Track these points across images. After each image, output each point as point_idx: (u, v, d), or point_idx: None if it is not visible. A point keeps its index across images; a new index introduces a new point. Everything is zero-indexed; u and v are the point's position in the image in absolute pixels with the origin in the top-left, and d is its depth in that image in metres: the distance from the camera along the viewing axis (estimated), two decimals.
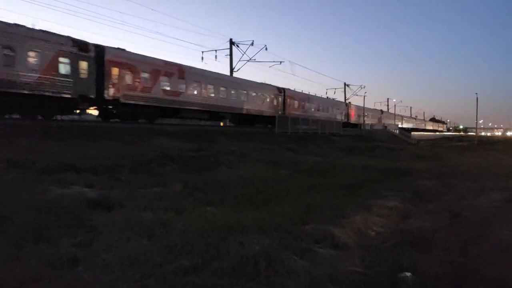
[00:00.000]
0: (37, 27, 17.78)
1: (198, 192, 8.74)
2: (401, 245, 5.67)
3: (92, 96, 19.25)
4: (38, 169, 9.47)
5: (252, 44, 35.51)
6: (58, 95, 17.73)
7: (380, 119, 67.01)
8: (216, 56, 35.86)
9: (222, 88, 28.32)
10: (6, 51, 15.76)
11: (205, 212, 6.98)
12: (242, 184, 10.23)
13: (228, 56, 36.31)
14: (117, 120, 21.54)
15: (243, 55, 36.06)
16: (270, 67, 39.20)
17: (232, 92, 29.52)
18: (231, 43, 36.30)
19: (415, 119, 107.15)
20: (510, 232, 6.61)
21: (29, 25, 17.37)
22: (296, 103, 38.85)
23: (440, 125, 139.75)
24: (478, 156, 28.00)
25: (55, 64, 17.63)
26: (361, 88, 62.90)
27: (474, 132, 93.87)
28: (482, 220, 7.67)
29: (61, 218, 5.85)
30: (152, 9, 77.79)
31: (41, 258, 4.38)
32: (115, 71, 20.42)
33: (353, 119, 53.46)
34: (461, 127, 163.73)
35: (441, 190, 11.12)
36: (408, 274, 4.54)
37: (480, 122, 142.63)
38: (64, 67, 17.94)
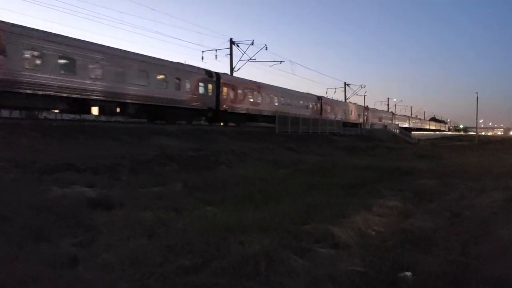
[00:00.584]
0: (184, 62, 26.90)
1: (198, 192, 8.74)
2: (401, 244, 5.67)
3: (214, 108, 27.76)
4: (38, 169, 9.47)
5: (252, 43, 35.56)
6: (198, 107, 26.50)
7: (392, 119, 75.01)
8: (216, 55, 35.94)
9: (281, 98, 36.41)
10: (176, 81, 24.73)
11: (205, 211, 6.98)
12: (242, 184, 10.23)
13: (228, 56, 36.33)
14: (221, 124, 30.11)
15: (243, 54, 36.14)
16: (270, 66, 39.28)
17: (286, 100, 37.09)
18: (231, 42, 36.28)
19: (420, 119, 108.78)
20: (510, 231, 6.60)
21: (182, 61, 26.65)
22: (329, 108, 45.77)
23: (442, 124, 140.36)
24: (479, 155, 28.01)
25: (197, 87, 26.43)
26: (361, 87, 63.11)
27: (474, 132, 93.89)
28: (483, 220, 7.67)
29: (61, 218, 5.85)
30: (152, 9, 78.09)
31: (41, 258, 4.38)
32: (225, 90, 29.11)
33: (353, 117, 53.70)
34: (461, 126, 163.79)
35: (441, 190, 11.10)
36: (409, 273, 4.54)
37: (481, 121, 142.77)
38: (201, 89, 26.77)
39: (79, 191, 8.08)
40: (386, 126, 59.29)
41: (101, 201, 7.13)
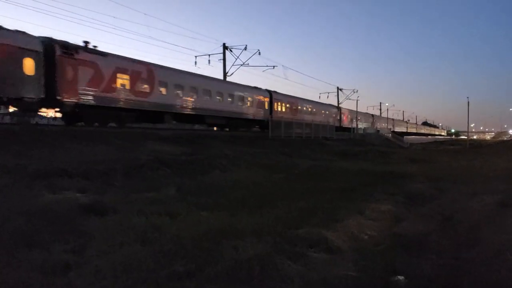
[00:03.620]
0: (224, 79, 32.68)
1: (192, 196, 8.72)
2: (394, 248, 5.70)
3: (266, 120, 32.33)
4: (29, 174, 9.37)
5: (245, 48, 35.56)
6: (258, 119, 32.80)
7: (393, 125, 77.93)
8: (209, 60, 35.91)
9: (309, 109, 42.62)
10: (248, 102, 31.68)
11: (199, 216, 6.96)
12: (236, 188, 10.22)
13: (221, 61, 36.34)
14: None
15: (236, 59, 36.15)
16: (263, 71, 39.49)
17: (312, 109, 43.13)
18: (224, 47, 36.30)
19: (417, 124, 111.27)
20: (502, 235, 6.66)
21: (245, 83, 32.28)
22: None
23: (438, 129, 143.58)
24: (470, 159, 28.25)
25: (260, 105, 33.27)
26: (354, 92, 63.47)
27: (466, 136, 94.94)
28: (475, 223, 7.73)
29: (53, 224, 5.80)
30: (144, 14, 77.62)
31: (32, 265, 4.34)
32: (277, 105, 35.79)
33: (345, 122, 53.91)
34: (452, 130, 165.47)
35: (433, 194, 11.19)
36: (401, 277, 4.57)
37: (472, 125, 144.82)
38: (262, 105, 33.56)
39: (71, 196, 8.02)
40: (378, 130, 59.58)
41: (93, 206, 7.08)
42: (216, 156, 16.53)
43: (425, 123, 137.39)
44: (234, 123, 30.25)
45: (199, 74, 28.27)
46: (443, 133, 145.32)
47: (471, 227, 7.43)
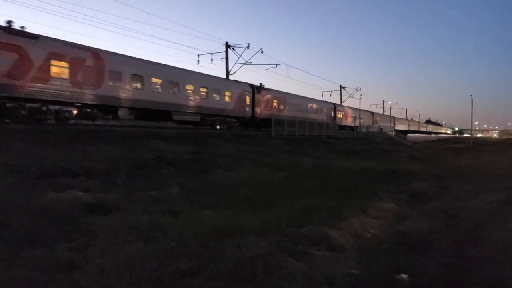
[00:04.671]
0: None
1: (195, 195, 8.74)
2: (397, 247, 5.69)
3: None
4: (33, 173, 9.41)
5: (248, 47, 35.56)
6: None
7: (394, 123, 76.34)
8: (212, 59, 35.91)
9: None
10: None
11: (202, 215, 6.98)
12: (239, 187, 10.24)
13: (224, 59, 36.35)
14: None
15: (239, 58, 36.23)
16: (266, 70, 39.34)
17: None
18: (227, 46, 36.30)
19: (419, 122, 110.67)
20: (505, 233, 6.64)
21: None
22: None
23: (442, 128, 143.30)
24: (474, 157, 28.14)
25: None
26: (357, 90, 63.33)
27: (469, 134, 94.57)
28: (478, 222, 7.71)
29: (57, 223, 5.83)
30: (147, 13, 77.71)
31: (37, 263, 4.37)
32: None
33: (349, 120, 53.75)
34: (456, 128, 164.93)
35: (437, 192, 11.16)
36: (405, 276, 4.56)
37: (476, 123, 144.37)
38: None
39: (75, 195, 8.04)
40: (381, 128, 59.40)
41: (97, 205, 7.11)
42: (219, 155, 16.55)
43: (428, 121, 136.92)
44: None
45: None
46: (448, 131, 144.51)
47: (474, 225, 7.41)
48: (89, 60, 18.74)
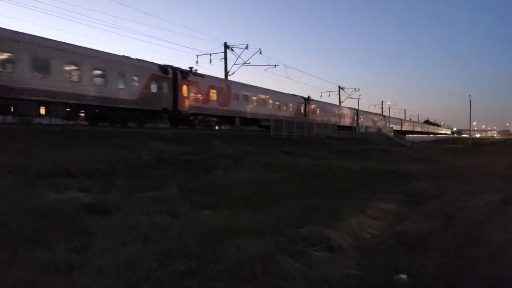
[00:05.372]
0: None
1: (194, 195, 8.74)
2: (396, 247, 5.70)
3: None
4: (32, 174, 9.41)
5: (246, 47, 35.50)
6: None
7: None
8: (210, 60, 35.84)
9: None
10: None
11: (201, 215, 6.98)
12: (238, 187, 10.24)
13: (223, 60, 36.33)
14: None
15: (237, 58, 36.08)
16: (264, 70, 39.26)
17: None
18: (226, 46, 36.28)
19: (414, 122, 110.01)
20: (504, 234, 6.66)
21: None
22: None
23: (441, 128, 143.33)
24: (472, 158, 28.19)
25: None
26: (356, 91, 63.39)
27: (467, 134, 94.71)
28: (477, 222, 7.72)
29: (56, 223, 5.83)
30: (146, 13, 77.74)
31: (36, 263, 4.36)
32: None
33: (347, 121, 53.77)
34: (454, 129, 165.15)
35: (436, 192, 11.17)
36: (404, 276, 4.57)
37: (474, 124, 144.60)
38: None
39: (74, 196, 8.04)
40: (380, 129, 59.51)
41: (96, 206, 7.11)
42: (218, 155, 16.55)
43: (427, 122, 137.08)
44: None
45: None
46: (448, 132, 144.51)
47: (473, 226, 7.42)
48: (225, 88, 29.25)
